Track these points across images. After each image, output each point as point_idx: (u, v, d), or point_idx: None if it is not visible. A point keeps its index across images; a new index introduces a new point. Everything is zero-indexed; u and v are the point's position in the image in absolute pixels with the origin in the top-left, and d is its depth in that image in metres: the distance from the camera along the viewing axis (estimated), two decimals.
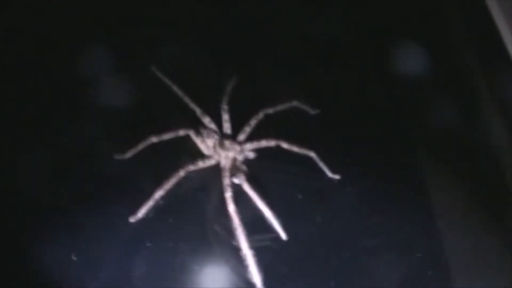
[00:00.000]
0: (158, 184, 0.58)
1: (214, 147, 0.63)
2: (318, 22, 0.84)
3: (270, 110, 0.66)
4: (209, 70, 0.77)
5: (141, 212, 0.58)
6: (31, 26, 0.80)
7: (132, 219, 0.58)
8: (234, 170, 0.59)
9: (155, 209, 0.58)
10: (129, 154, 0.64)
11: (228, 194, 0.55)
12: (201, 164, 0.61)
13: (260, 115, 0.65)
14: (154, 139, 0.63)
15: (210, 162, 0.62)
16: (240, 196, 0.56)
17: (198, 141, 0.64)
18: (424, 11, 0.85)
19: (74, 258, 0.56)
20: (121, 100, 0.72)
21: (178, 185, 0.58)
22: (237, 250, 0.53)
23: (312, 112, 0.71)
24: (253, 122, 0.65)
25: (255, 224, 0.54)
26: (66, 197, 0.62)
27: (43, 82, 0.74)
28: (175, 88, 0.69)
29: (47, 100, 0.72)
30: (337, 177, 0.63)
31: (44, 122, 0.70)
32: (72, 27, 0.81)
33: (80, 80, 0.74)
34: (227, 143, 0.62)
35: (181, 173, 0.58)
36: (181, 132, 0.64)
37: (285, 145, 0.61)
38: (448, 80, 0.76)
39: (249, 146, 0.63)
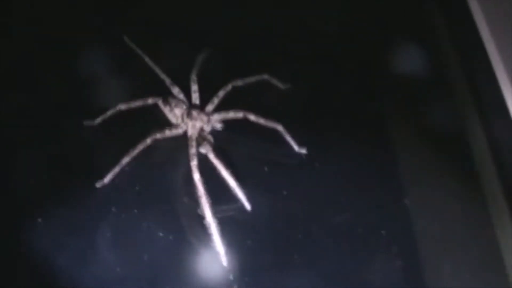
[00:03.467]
0: (125, 151, 0.61)
1: (182, 116, 0.66)
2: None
3: (239, 82, 0.68)
4: (181, 42, 0.78)
5: (107, 178, 0.61)
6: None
7: (98, 185, 0.61)
8: (201, 139, 0.61)
9: (122, 176, 0.61)
10: (98, 121, 0.67)
11: (194, 163, 0.58)
12: (168, 133, 0.64)
13: (229, 86, 0.67)
14: (122, 107, 0.66)
15: (177, 131, 0.65)
16: (206, 166, 0.58)
17: (166, 110, 0.67)
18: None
19: (39, 220, 0.60)
20: (91, 68, 0.74)
21: (145, 153, 0.61)
22: (201, 218, 0.56)
23: (283, 86, 0.73)
24: (222, 93, 0.67)
25: (220, 194, 0.57)
26: (32, 162, 0.64)
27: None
28: (146, 58, 0.71)
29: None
30: (304, 151, 0.65)
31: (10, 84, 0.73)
32: None
33: (51, 47, 0.77)
34: (194, 113, 0.65)
35: (148, 140, 0.61)
36: (150, 101, 0.66)
37: (252, 117, 0.63)
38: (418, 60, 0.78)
39: (216, 116, 0.65)
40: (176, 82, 0.70)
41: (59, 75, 0.74)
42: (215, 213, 0.56)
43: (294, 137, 0.65)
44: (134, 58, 0.73)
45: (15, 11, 0.82)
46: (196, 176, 0.57)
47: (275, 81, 0.72)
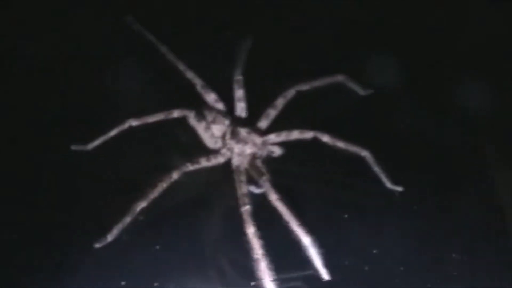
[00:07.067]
0: (138, 191, 0.52)
1: (224, 137, 0.58)
2: None
3: (305, 86, 0.60)
4: (216, 29, 0.72)
5: (113, 234, 0.51)
6: None
7: (98, 244, 0.51)
8: (254, 172, 0.54)
9: (134, 229, 0.52)
10: (93, 145, 0.57)
11: (245, 209, 0.49)
12: (203, 163, 0.55)
13: (291, 92, 0.60)
14: (133, 123, 0.57)
15: (217, 161, 0.57)
16: (261, 212, 0.50)
17: (200, 127, 0.58)
18: None
19: None
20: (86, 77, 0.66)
21: (168, 193, 0.53)
22: None
23: (364, 93, 0.65)
24: (280, 102, 0.59)
25: (282, 253, 0.49)
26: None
27: None
28: (164, 50, 0.63)
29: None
30: (399, 189, 0.57)
31: None
32: None
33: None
34: (242, 132, 0.57)
35: (174, 175, 0.53)
36: (175, 114, 0.57)
37: (327, 139, 0.56)
38: None
39: (274, 137, 0.58)
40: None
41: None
42: (277, 283, 0.48)
43: (384, 167, 0.57)
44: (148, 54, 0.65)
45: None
46: (251, 230, 0.48)
47: (353, 85, 0.65)
